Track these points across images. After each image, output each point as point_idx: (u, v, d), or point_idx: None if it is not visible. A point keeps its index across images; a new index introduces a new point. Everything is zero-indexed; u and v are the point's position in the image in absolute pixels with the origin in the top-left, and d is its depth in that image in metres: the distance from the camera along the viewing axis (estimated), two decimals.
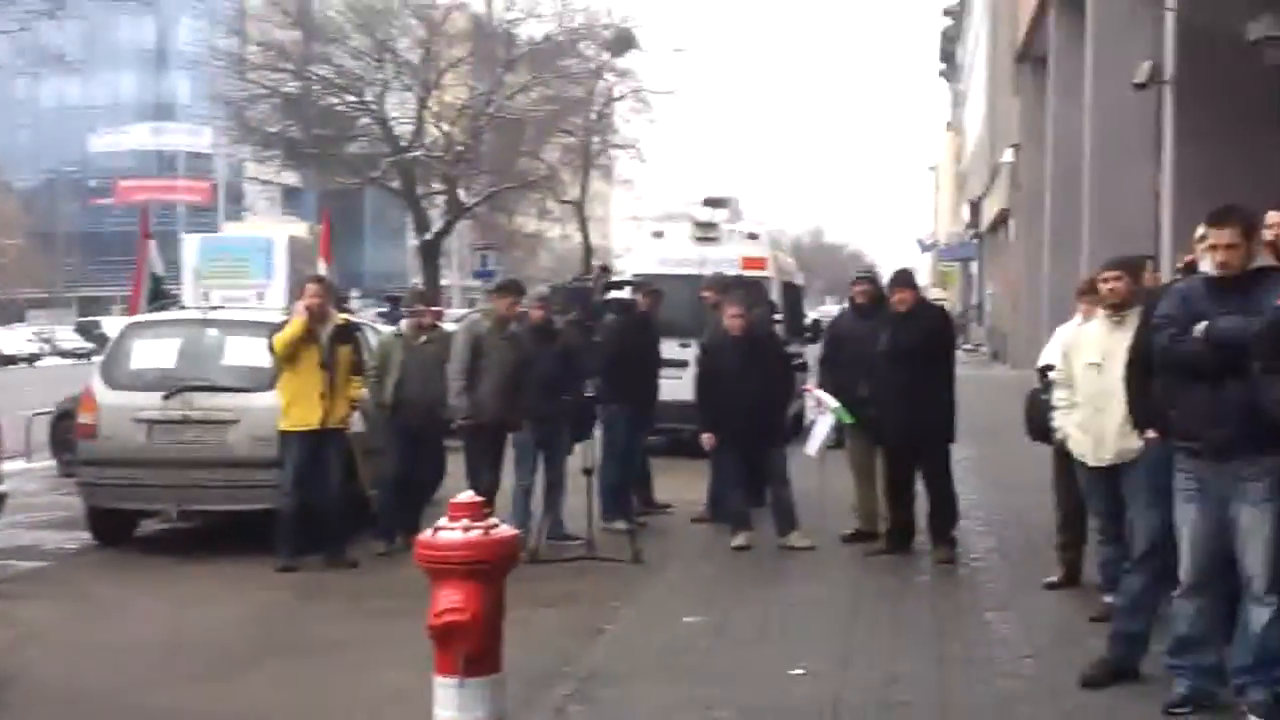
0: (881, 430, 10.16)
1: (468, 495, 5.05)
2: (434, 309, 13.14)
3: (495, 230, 40.22)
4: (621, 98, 39.23)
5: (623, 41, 37.85)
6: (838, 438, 11.22)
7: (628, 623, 8.29)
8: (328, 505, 10.28)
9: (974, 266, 55.52)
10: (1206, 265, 6.10)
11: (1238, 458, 5.90)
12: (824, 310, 39.59)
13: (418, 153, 32.92)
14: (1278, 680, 5.93)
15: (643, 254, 17.11)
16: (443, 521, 4.97)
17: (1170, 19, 15.25)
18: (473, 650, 4.69)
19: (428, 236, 34.18)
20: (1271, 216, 6.99)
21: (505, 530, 4.95)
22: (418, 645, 7.84)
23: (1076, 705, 6.44)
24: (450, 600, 4.70)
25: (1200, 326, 5.91)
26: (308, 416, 10.15)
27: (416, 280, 51.18)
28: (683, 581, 9.45)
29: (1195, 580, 6.16)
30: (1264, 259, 6.02)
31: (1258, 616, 5.93)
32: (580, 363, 10.93)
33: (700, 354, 11.40)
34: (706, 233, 17.12)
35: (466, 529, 4.81)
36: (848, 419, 10.61)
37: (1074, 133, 21.03)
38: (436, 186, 35.32)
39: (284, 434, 10.16)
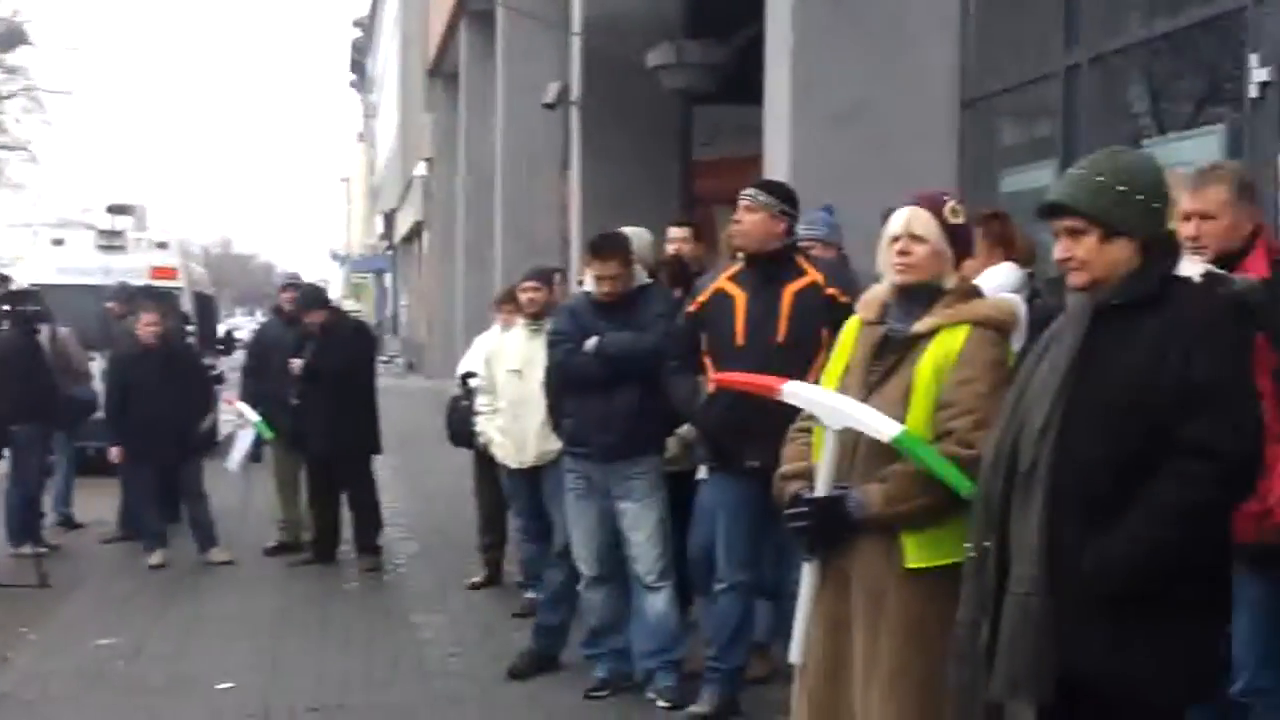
0: (304, 443, 10.07)
1: None
2: None
3: None
4: (11, 96, 36.66)
5: (13, 36, 35.37)
6: (257, 452, 11.07)
7: (37, 649, 7.77)
8: None
9: (388, 278, 55.87)
10: (590, 284, 6.50)
11: (623, 459, 6.30)
12: (234, 322, 38.63)
13: None
14: (681, 660, 6.37)
15: (40, 262, 16.06)
16: None
17: (577, 43, 16.00)
18: None
19: None
20: (673, 232, 7.57)
21: None
22: None
23: (503, 697, 6.64)
24: None
25: (591, 342, 6.30)
26: None
27: None
28: (96, 604, 8.96)
29: (596, 572, 6.52)
30: (643, 277, 6.48)
31: (653, 602, 6.33)
32: None
33: (110, 367, 10.87)
34: (111, 241, 16.35)
35: None
36: (268, 434, 10.44)
37: (486, 147, 21.36)
38: None
39: None
